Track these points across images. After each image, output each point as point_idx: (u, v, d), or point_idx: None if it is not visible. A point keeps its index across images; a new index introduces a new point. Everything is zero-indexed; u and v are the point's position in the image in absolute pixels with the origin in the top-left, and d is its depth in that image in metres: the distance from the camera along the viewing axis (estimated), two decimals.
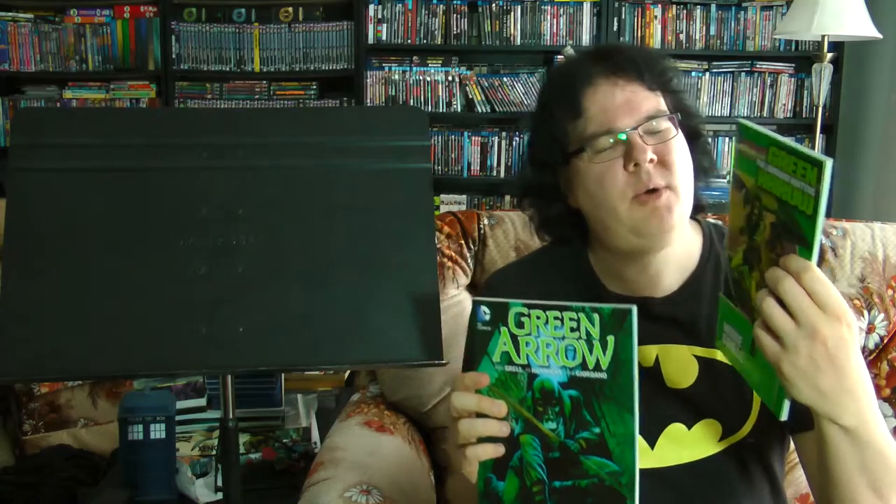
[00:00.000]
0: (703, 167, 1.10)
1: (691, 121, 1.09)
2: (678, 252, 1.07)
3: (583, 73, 1.06)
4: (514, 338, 0.88)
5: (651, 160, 1.00)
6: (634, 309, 0.84)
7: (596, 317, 0.85)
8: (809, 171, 0.73)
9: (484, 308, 0.89)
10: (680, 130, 1.05)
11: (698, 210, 1.13)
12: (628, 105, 1.03)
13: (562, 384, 0.87)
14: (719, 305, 0.92)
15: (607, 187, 1.02)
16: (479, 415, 0.89)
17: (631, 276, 1.10)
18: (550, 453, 0.88)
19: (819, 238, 0.75)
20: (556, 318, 0.86)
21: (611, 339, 0.84)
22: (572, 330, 0.85)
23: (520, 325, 0.87)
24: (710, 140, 1.24)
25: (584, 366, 0.85)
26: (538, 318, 0.86)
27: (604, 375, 0.85)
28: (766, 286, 0.79)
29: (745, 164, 0.84)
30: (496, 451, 0.89)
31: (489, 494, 0.91)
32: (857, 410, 0.82)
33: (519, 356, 0.88)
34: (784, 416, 0.81)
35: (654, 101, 1.04)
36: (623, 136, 1.02)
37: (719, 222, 1.18)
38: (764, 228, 0.81)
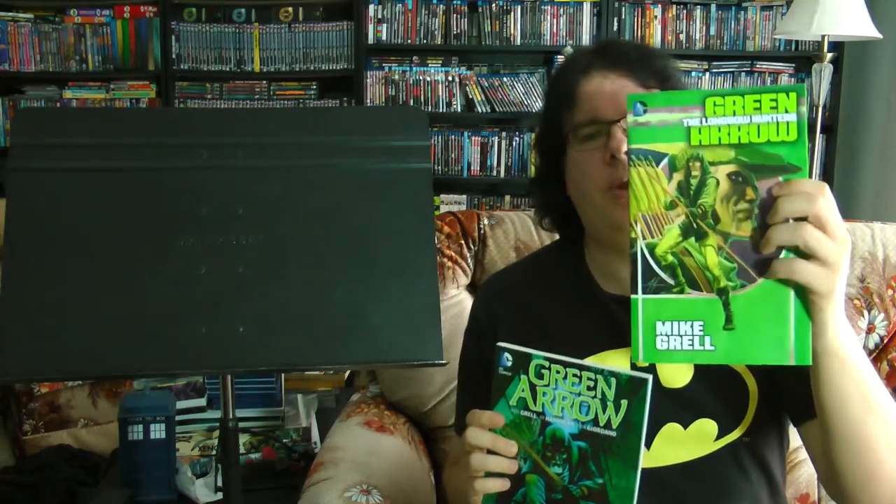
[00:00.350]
0: None
1: None
2: None
3: (580, 65, 1.09)
4: (532, 386, 0.91)
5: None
6: (650, 379, 0.87)
7: (613, 381, 0.88)
8: (783, 99, 0.77)
9: (507, 355, 0.92)
10: None
11: None
12: (615, 98, 1.04)
13: (572, 435, 0.90)
14: (637, 312, 0.83)
15: (586, 176, 1.05)
16: (491, 451, 0.93)
17: (624, 275, 1.10)
18: (553, 494, 0.92)
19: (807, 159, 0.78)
20: (574, 375, 0.90)
21: (624, 402, 0.88)
22: (589, 388, 0.89)
23: (539, 375, 0.91)
24: None
25: (595, 422, 0.89)
26: (558, 372, 0.90)
27: (613, 433, 0.89)
28: (782, 220, 0.77)
29: (658, 133, 0.82)
30: (503, 485, 0.93)
31: None
32: (848, 330, 0.84)
33: (535, 404, 0.92)
34: (810, 360, 0.80)
35: None
36: (604, 127, 1.03)
37: None
38: (714, 186, 0.80)
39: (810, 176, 0.79)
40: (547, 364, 0.90)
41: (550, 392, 0.90)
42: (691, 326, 0.82)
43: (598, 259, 1.13)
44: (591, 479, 0.90)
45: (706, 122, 0.80)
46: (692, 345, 0.82)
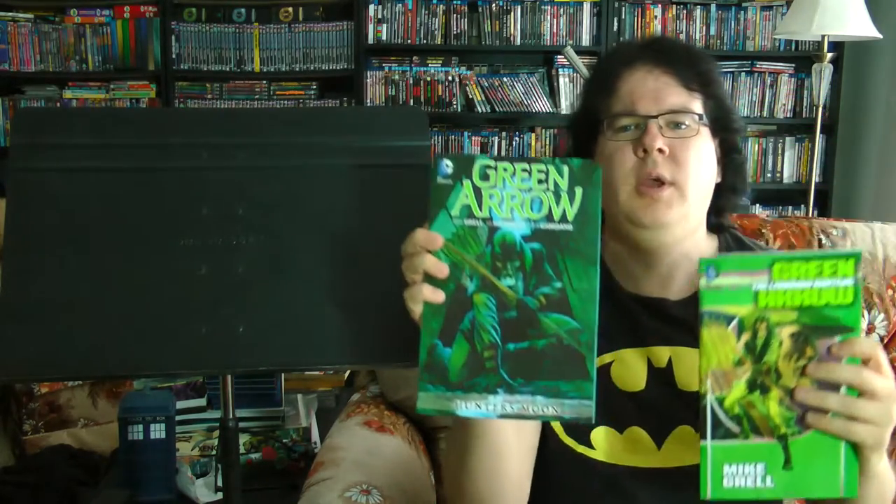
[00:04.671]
0: (732, 185, 1.12)
1: (728, 134, 1.10)
2: (692, 257, 1.07)
3: (625, 56, 1.09)
4: (477, 190, 0.86)
5: (661, 150, 1.01)
6: (600, 167, 0.86)
7: (565, 169, 0.85)
8: (843, 264, 0.84)
9: (447, 161, 0.86)
10: (707, 134, 1.06)
11: (720, 228, 1.15)
12: (656, 94, 1.04)
13: (524, 237, 0.85)
14: (707, 457, 0.89)
15: (615, 167, 1.04)
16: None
17: (639, 274, 1.10)
18: (506, 313, 0.85)
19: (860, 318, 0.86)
20: (524, 170, 0.85)
21: (579, 190, 0.85)
22: (540, 182, 0.85)
23: (485, 177, 0.86)
24: (746, 164, 1.27)
25: (549, 217, 0.85)
26: (505, 170, 0.86)
27: (570, 227, 0.85)
28: (838, 377, 0.84)
29: (728, 296, 0.88)
30: (434, 295, 0.85)
31: (432, 365, 0.86)
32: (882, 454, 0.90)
33: (481, 209, 0.86)
34: (857, 493, 0.86)
35: (686, 98, 1.05)
36: (641, 121, 1.03)
37: (737, 232, 1.19)
38: (777, 345, 0.86)
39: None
40: (493, 164, 0.85)
41: (498, 193, 0.85)
42: (755, 467, 0.88)
43: (617, 257, 1.12)
44: (549, 284, 0.84)
45: (773, 285, 0.86)
46: (755, 483, 0.88)
